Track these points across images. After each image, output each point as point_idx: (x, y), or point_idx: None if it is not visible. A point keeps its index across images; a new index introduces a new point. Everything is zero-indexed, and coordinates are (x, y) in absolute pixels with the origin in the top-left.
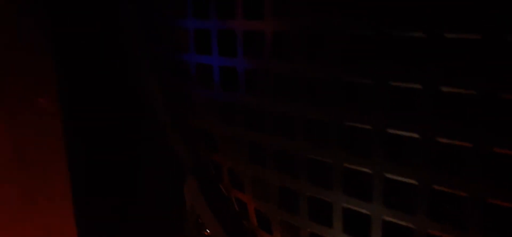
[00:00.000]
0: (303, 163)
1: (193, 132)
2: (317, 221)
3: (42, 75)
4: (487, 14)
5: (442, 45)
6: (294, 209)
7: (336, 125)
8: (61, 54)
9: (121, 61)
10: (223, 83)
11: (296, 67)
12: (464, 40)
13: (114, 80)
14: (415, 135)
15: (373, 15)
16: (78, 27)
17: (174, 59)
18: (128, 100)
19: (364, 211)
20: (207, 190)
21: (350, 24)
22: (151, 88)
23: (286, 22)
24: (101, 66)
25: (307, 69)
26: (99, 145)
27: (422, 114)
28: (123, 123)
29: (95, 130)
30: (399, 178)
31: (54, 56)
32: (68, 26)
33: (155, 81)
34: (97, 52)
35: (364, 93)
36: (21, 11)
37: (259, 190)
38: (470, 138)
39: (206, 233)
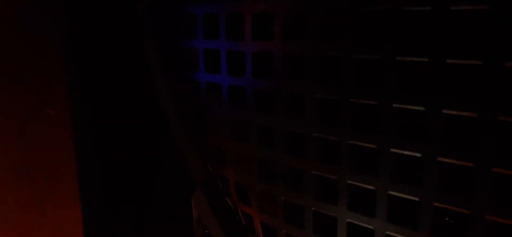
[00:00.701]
0: (309, 179)
1: (203, 146)
2: (322, 235)
3: (53, 81)
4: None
5: (444, 70)
6: (300, 223)
7: (342, 143)
8: (74, 59)
9: (135, 65)
10: (233, 101)
11: (305, 88)
12: (466, 65)
13: (125, 84)
14: (418, 154)
15: (378, 41)
16: (91, 30)
17: (187, 78)
18: (140, 105)
19: (368, 226)
20: (214, 202)
21: (357, 49)
22: (165, 103)
23: (295, 44)
24: (113, 70)
25: (316, 90)
26: (109, 151)
27: (425, 135)
28: (134, 128)
29: (106, 135)
30: (403, 195)
31: (66, 61)
32: (82, 28)
33: (170, 96)
34: (111, 56)
35: (370, 114)
36: (34, 12)
37: (265, 204)
38: (471, 158)
39: None
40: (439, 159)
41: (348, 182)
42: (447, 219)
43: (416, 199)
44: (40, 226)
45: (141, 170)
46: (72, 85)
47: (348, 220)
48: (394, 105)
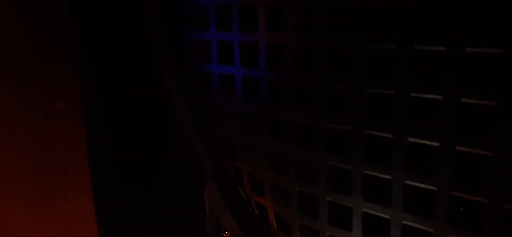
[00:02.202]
0: (322, 169)
1: (214, 138)
2: (337, 225)
3: (66, 79)
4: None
5: (463, 59)
6: (314, 213)
7: (356, 133)
8: (85, 57)
9: (144, 62)
10: (244, 93)
11: (317, 80)
12: (485, 54)
13: (135, 82)
14: (436, 144)
15: (394, 32)
16: (101, 29)
17: (197, 70)
18: (149, 103)
19: (383, 215)
20: (227, 193)
21: (372, 41)
22: (175, 97)
23: (308, 36)
24: (123, 68)
25: (328, 81)
26: (120, 146)
27: (443, 124)
28: (145, 124)
29: (116, 132)
30: (419, 184)
31: (78, 60)
32: (93, 27)
33: (180, 91)
34: (122, 52)
35: (387, 104)
36: (45, 13)
37: (278, 194)
38: (490, 147)
39: (225, 235)
40: (458, 148)
41: (364, 172)
42: (461, 209)
43: (433, 188)
44: (52, 219)
45: (151, 165)
46: (84, 83)
47: (363, 210)
48: (412, 95)
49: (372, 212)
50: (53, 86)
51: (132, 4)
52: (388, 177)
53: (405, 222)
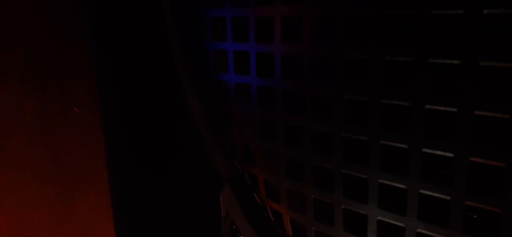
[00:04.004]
0: (338, 177)
1: (230, 143)
2: (353, 232)
3: (83, 81)
4: None
5: (477, 71)
6: (329, 219)
7: (373, 142)
8: (104, 59)
9: (163, 67)
10: (261, 100)
11: (335, 89)
12: (498, 67)
13: (153, 85)
14: (450, 154)
15: (410, 43)
16: (121, 34)
17: (215, 78)
18: (167, 106)
19: (399, 224)
20: (243, 198)
21: (387, 52)
22: (193, 103)
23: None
24: (142, 71)
25: (346, 91)
26: (137, 149)
27: (457, 136)
28: (162, 128)
29: (134, 135)
30: (434, 194)
31: (96, 62)
32: (113, 33)
33: (198, 97)
34: (140, 56)
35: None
36: (64, 14)
37: (294, 201)
38: (504, 158)
39: None
40: (471, 159)
41: (379, 181)
42: (475, 216)
43: (447, 198)
44: (70, 223)
45: (167, 169)
46: (102, 88)
47: (378, 218)
48: (426, 106)
49: (387, 220)
50: (70, 89)
51: (151, 11)
52: (403, 186)
53: (419, 230)
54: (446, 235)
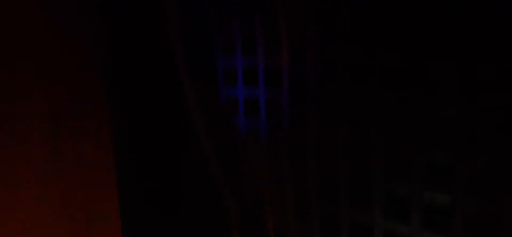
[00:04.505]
0: (346, 224)
1: (239, 183)
2: None
3: (91, 82)
4: None
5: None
6: None
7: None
8: (112, 65)
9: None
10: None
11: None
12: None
13: (165, 101)
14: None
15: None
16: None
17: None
18: (177, 128)
19: None
20: None
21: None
22: (206, 146)
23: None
24: (152, 92)
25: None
26: (147, 170)
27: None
28: (172, 149)
29: (143, 153)
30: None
31: (104, 66)
32: (120, 38)
33: (209, 135)
34: (150, 68)
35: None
36: (73, 20)
37: None
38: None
39: None
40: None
41: (384, 230)
42: (476, 221)
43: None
44: (76, 216)
45: (176, 189)
46: (109, 87)
47: None
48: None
49: None
50: (79, 91)
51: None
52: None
53: None
54: None
